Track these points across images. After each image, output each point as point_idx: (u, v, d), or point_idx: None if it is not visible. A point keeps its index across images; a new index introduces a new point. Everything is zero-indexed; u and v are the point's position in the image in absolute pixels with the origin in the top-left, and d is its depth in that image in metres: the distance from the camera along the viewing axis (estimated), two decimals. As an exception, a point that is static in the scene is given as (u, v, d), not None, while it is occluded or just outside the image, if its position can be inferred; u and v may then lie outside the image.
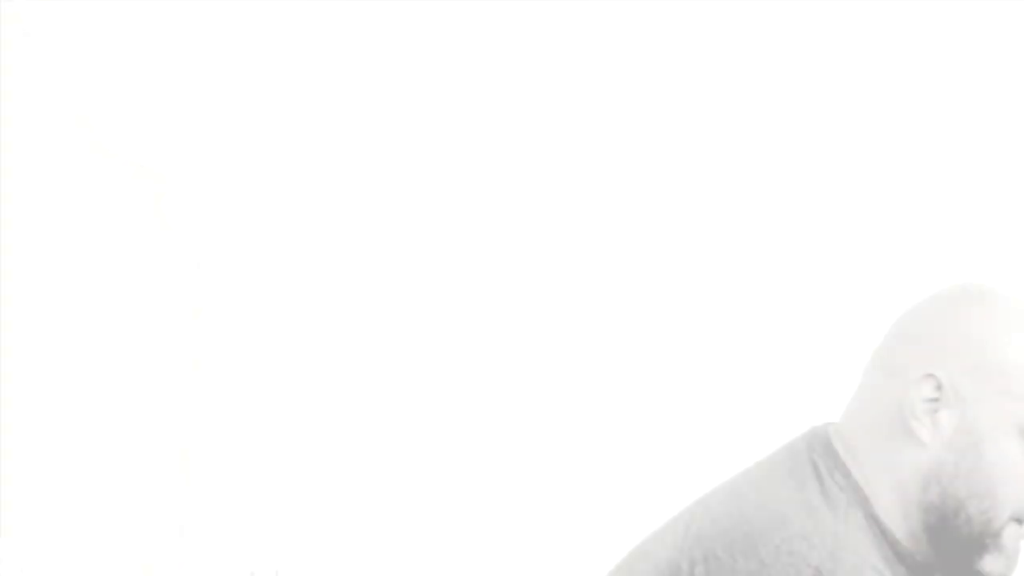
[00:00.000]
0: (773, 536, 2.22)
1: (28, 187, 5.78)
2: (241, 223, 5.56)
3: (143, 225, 5.70)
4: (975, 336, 2.31)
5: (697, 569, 2.23)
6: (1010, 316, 2.33)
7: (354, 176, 5.46)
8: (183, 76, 5.42)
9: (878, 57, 5.07)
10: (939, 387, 2.31)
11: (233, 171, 5.47)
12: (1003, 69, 5.02)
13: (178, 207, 5.52)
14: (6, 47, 5.28)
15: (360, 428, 5.79)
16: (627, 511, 5.39)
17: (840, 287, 5.13)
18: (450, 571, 5.68)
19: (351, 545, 5.90)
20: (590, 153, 5.24)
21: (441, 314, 5.45)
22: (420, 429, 5.66)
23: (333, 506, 5.95)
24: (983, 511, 2.30)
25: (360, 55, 5.31)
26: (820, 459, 2.35)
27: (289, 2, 5.33)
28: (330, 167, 5.49)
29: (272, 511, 5.95)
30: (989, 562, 2.34)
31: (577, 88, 5.23)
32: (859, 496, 2.32)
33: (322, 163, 5.50)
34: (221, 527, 6.15)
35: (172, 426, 6.42)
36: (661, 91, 5.14)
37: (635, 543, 2.45)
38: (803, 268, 5.17)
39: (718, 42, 5.07)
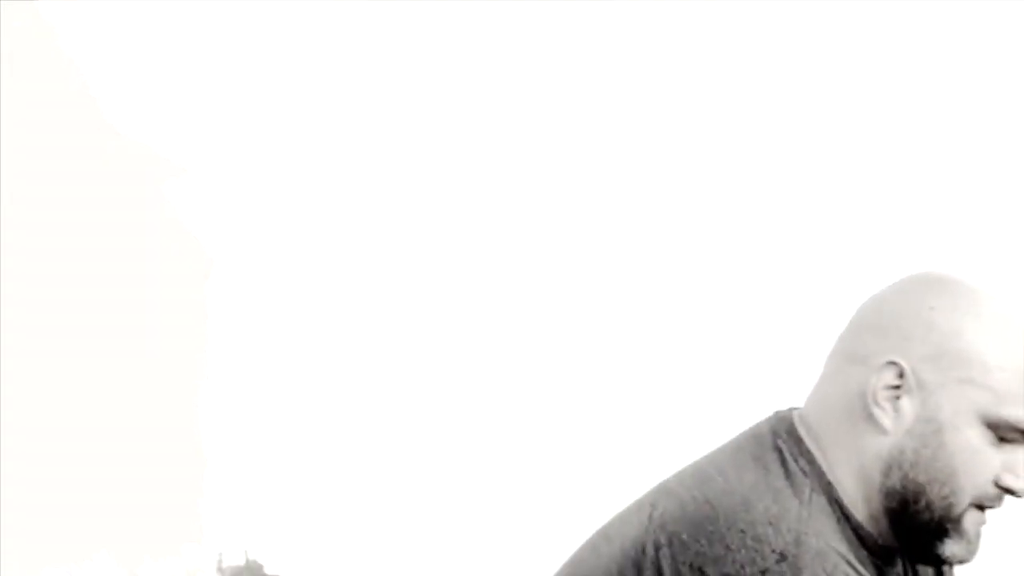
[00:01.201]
0: (738, 521, 2.23)
1: (34, 166, 5.76)
2: (245, 208, 5.55)
3: (146, 206, 5.68)
4: (938, 325, 2.32)
5: (662, 552, 2.24)
6: (972, 305, 2.34)
7: (352, 160, 5.46)
8: (191, 64, 5.40)
9: (830, 52, 5.08)
10: (901, 375, 2.32)
11: (236, 155, 5.45)
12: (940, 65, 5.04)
13: (181, 190, 5.50)
14: (11, 31, 5.26)
15: (335, 415, 5.78)
16: (598, 495, 5.40)
17: (806, 276, 5.14)
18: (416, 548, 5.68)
19: (320, 528, 5.88)
20: (576, 159, 5.25)
21: (436, 308, 5.46)
22: (388, 415, 5.66)
23: (301, 489, 5.93)
24: (943, 497, 2.32)
25: (365, 52, 5.30)
26: (784, 444, 2.36)
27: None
28: (331, 152, 5.48)
29: (243, 494, 5.93)
30: (950, 547, 2.36)
31: (567, 91, 5.23)
32: (823, 481, 2.33)
33: (324, 149, 5.49)
34: (193, 510, 6.13)
35: (168, 409, 6.40)
36: (636, 102, 5.15)
37: (597, 525, 2.46)
38: (768, 259, 5.17)
39: (694, 38, 5.07)
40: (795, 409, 2.44)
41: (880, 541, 2.37)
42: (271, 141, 5.55)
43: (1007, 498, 2.41)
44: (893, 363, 2.32)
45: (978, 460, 2.32)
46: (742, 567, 2.19)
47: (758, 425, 2.43)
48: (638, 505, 2.38)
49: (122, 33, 5.29)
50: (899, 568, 2.46)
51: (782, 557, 2.20)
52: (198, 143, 5.47)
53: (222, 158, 5.49)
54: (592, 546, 2.42)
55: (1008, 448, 2.34)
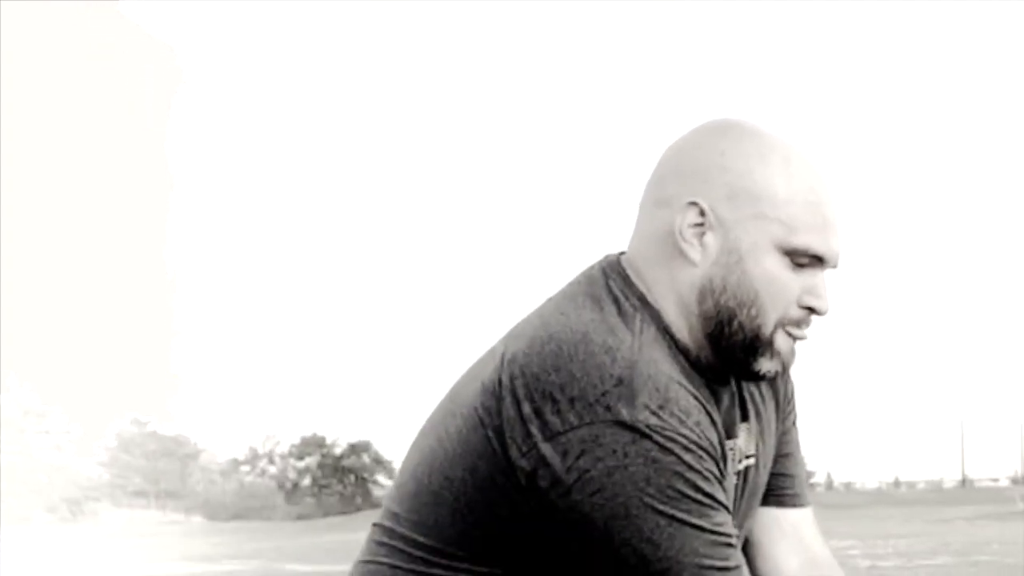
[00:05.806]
0: (579, 353, 2.54)
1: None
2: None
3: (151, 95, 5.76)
4: (729, 167, 2.64)
5: (516, 383, 2.55)
6: (758, 147, 2.66)
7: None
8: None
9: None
10: (702, 213, 2.65)
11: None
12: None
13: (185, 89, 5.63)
14: None
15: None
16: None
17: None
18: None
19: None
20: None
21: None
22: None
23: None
24: (752, 319, 2.65)
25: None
26: (614, 283, 2.69)
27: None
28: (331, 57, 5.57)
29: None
30: (764, 363, 2.70)
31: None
32: (652, 313, 2.66)
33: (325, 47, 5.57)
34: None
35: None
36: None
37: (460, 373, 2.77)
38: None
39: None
40: (621, 252, 2.76)
41: (706, 362, 2.70)
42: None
43: (815, 319, 2.74)
44: (694, 203, 2.65)
45: (778, 284, 2.65)
46: (584, 390, 2.51)
47: (590, 268, 2.75)
48: (492, 350, 2.70)
49: None
50: (732, 387, 2.80)
51: (619, 381, 2.51)
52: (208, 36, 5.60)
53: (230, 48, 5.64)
54: (458, 389, 2.74)
55: (806, 273, 2.67)
